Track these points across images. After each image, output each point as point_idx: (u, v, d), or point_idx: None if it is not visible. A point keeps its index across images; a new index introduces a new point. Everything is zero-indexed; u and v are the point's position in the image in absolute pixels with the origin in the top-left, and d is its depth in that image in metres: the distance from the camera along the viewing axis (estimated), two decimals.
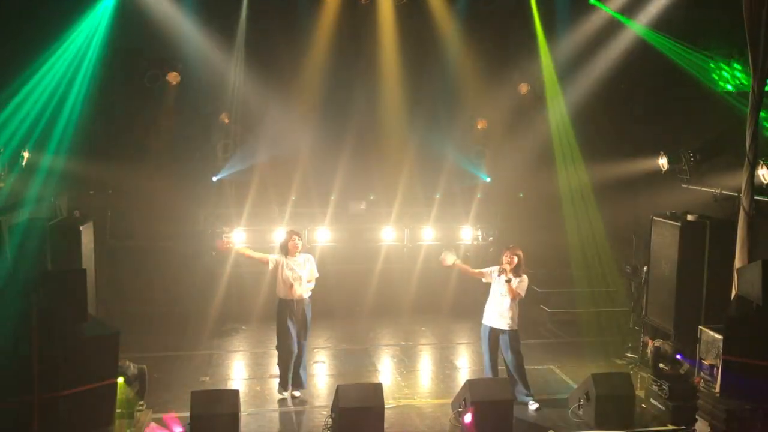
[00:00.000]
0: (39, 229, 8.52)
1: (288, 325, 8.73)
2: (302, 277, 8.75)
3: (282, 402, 8.86)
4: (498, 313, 8.64)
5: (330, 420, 7.79)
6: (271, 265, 8.83)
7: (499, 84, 12.94)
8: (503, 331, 8.64)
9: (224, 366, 10.28)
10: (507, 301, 8.59)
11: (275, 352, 10.46)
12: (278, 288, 8.82)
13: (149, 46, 11.49)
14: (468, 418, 7.55)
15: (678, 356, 8.67)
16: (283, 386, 8.89)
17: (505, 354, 8.69)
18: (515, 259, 8.59)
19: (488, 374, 8.78)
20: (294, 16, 11.89)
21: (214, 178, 12.34)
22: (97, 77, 11.12)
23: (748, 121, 8.12)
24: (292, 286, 8.70)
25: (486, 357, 8.80)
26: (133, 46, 11.44)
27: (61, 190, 11.09)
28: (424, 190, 12.98)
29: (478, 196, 13.25)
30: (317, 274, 8.95)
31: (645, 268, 10.44)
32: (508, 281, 8.52)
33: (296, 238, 8.83)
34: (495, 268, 8.77)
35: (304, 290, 8.79)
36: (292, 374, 8.85)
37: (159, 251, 12.10)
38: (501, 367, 8.88)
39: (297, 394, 8.92)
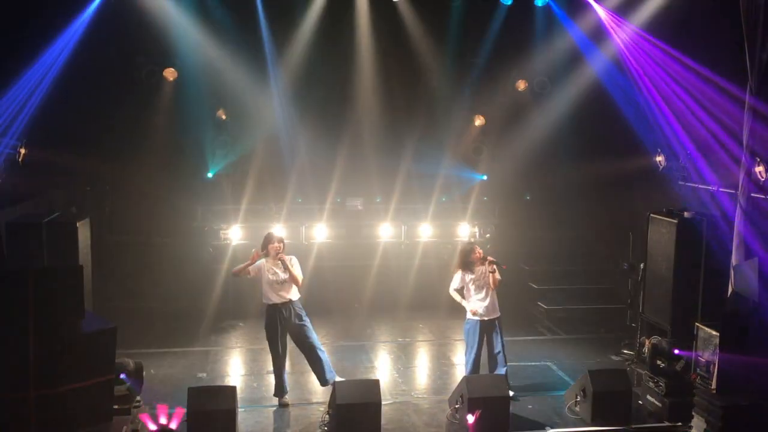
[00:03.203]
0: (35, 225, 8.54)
1: (277, 330, 8.52)
2: (285, 280, 8.48)
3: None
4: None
5: (327, 416, 7.80)
6: (252, 273, 8.53)
7: (497, 80, 12.94)
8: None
9: (221, 362, 10.29)
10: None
11: None
12: (264, 294, 8.55)
13: (146, 41, 11.46)
14: (471, 419, 7.54)
15: (676, 351, 8.68)
16: (277, 392, 8.66)
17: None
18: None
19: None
20: (292, 12, 11.86)
21: (209, 174, 12.33)
22: (94, 73, 11.10)
23: (744, 119, 8.14)
24: (276, 290, 8.48)
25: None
26: (130, 41, 11.40)
27: (58, 186, 11.09)
28: (421, 188, 12.98)
29: (485, 198, 13.25)
30: (301, 275, 8.61)
31: (642, 265, 10.46)
32: (493, 272, 8.66)
33: (277, 244, 8.49)
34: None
35: (288, 292, 8.54)
36: (316, 372, 8.66)
37: (156, 247, 12.10)
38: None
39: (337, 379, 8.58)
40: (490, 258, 8.73)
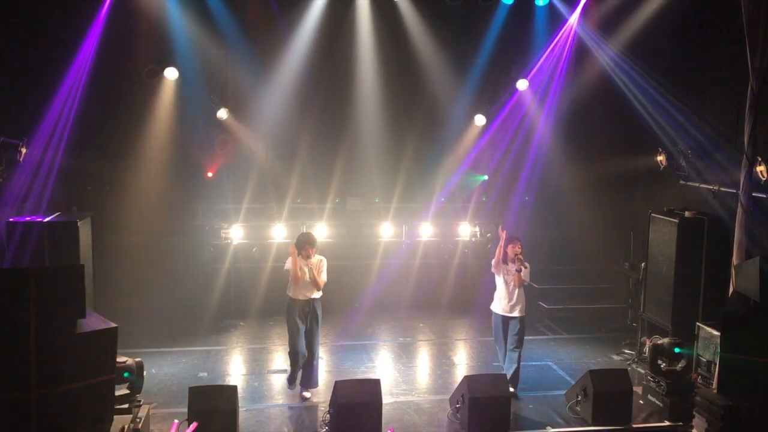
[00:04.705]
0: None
1: (296, 324, 8.71)
2: (310, 281, 8.68)
3: (280, 398, 8.89)
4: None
5: (328, 416, 7.81)
6: (287, 266, 8.76)
7: (498, 80, 12.93)
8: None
9: (222, 362, 10.29)
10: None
11: (273, 348, 10.56)
12: (290, 287, 8.78)
13: (147, 41, 11.45)
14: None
15: (677, 351, 8.68)
16: (290, 381, 8.92)
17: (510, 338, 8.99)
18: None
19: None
20: (293, 12, 11.86)
21: (210, 174, 12.32)
22: (96, 72, 11.10)
23: (746, 119, 8.14)
24: (301, 288, 8.67)
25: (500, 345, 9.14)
26: (131, 41, 11.40)
27: (59, 186, 11.08)
28: (422, 187, 12.98)
29: (484, 199, 13.26)
30: (325, 278, 8.78)
31: (643, 265, 10.46)
32: (519, 271, 8.82)
33: (309, 247, 8.70)
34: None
35: (312, 292, 8.73)
36: (304, 374, 8.84)
37: (157, 247, 12.09)
38: (495, 363, 8.98)
39: (307, 395, 8.85)
40: (519, 256, 8.85)
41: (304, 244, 8.73)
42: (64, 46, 10.45)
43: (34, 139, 9.89)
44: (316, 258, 8.74)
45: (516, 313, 8.87)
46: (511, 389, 8.70)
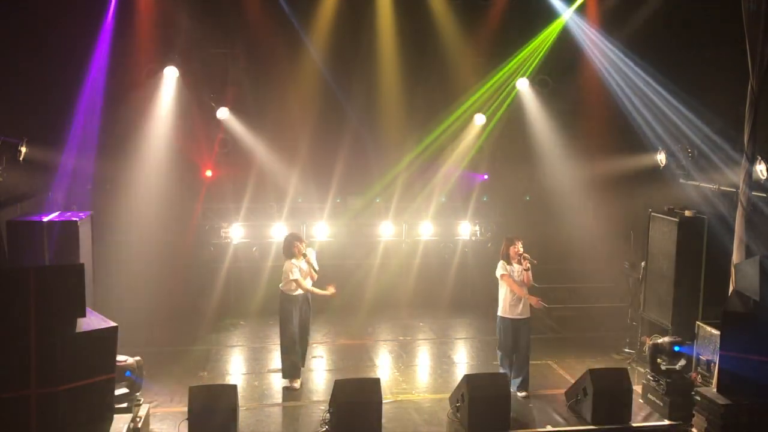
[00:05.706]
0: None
1: (293, 315, 8.89)
2: (306, 275, 8.96)
3: (280, 397, 8.90)
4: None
5: (328, 415, 7.81)
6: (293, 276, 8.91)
7: (498, 79, 12.93)
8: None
9: (222, 361, 10.29)
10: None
11: (273, 347, 10.51)
12: (286, 285, 8.92)
13: (148, 39, 11.45)
14: None
15: (677, 350, 8.69)
16: (292, 376, 9.05)
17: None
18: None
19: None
20: (293, 9, 11.86)
21: (209, 173, 12.32)
22: (95, 72, 11.10)
23: (746, 117, 8.14)
24: (300, 284, 8.87)
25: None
26: (131, 39, 11.39)
27: (59, 185, 11.08)
28: (422, 187, 12.97)
29: (484, 199, 13.25)
30: (317, 267, 9.03)
31: (643, 264, 10.46)
32: (528, 269, 8.73)
33: (298, 243, 8.94)
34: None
35: (307, 283, 8.99)
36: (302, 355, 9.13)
37: (157, 246, 12.08)
38: (495, 362, 8.98)
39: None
40: (525, 255, 8.73)
41: (294, 243, 8.93)
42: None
43: (39, 140, 9.88)
44: (308, 251, 9.00)
45: (526, 315, 8.77)
46: (525, 393, 8.79)
